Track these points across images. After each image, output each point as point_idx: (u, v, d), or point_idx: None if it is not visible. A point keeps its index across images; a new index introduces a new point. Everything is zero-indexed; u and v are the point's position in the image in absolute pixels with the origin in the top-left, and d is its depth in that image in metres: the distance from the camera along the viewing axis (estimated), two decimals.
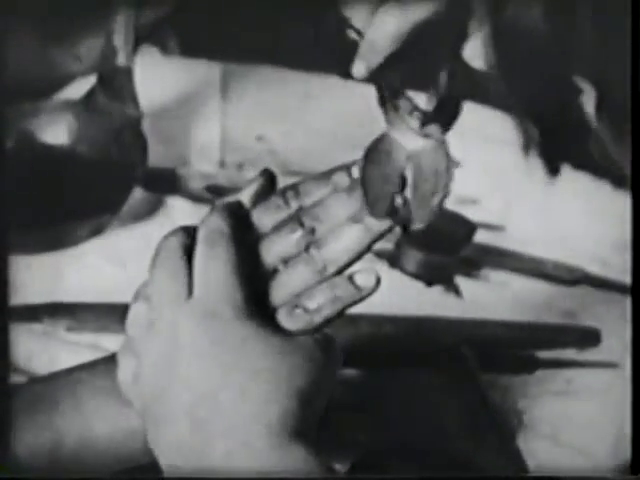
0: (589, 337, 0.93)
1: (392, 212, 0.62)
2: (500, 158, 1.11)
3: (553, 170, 1.05)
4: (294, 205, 0.64)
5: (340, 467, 0.75)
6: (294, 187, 0.65)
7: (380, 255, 0.99)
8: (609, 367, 0.90)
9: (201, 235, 0.62)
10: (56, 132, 1.05)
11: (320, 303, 0.61)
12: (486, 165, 1.10)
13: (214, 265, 0.61)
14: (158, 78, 1.14)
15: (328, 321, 0.62)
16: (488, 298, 0.97)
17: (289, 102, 1.15)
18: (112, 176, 1.02)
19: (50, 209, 0.98)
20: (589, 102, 0.89)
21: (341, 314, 0.62)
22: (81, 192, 1.01)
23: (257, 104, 1.15)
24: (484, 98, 1.15)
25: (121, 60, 1.03)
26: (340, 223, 0.62)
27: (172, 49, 1.21)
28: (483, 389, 0.86)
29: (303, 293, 0.62)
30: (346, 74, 1.21)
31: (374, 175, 0.63)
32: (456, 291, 0.98)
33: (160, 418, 0.60)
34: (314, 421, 0.60)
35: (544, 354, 0.92)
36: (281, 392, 0.58)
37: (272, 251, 0.63)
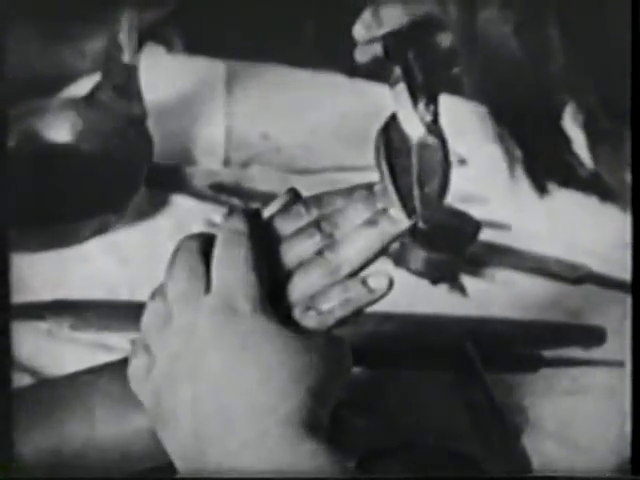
0: (594, 336, 0.93)
1: (414, 209, 0.63)
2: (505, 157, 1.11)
3: (541, 189, 1.05)
4: (315, 213, 0.65)
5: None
6: (317, 197, 0.66)
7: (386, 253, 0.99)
8: (614, 366, 0.90)
9: (220, 236, 0.64)
10: (60, 130, 1.05)
11: (333, 305, 0.62)
12: (491, 163, 1.10)
13: (233, 262, 0.62)
14: (163, 76, 1.14)
15: (342, 322, 0.63)
16: (493, 296, 0.97)
17: (293, 100, 1.15)
18: (117, 174, 1.02)
19: (54, 207, 0.98)
20: (570, 117, 0.90)
21: (355, 315, 0.63)
22: (85, 190, 1.01)
23: (262, 102, 1.15)
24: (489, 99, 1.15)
25: (126, 58, 1.03)
26: (356, 227, 0.63)
27: (177, 47, 1.21)
28: (487, 387, 0.86)
29: (317, 295, 0.63)
30: (350, 72, 1.21)
31: (398, 167, 0.64)
32: (461, 289, 0.97)
33: (173, 413, 0.60)
34: (325, 416, 0.61)
35: (549, 353, 0.92)
36: (296, 387, 0.59)
37: (290, 254, 0.64)
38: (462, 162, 1.10)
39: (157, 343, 0.62)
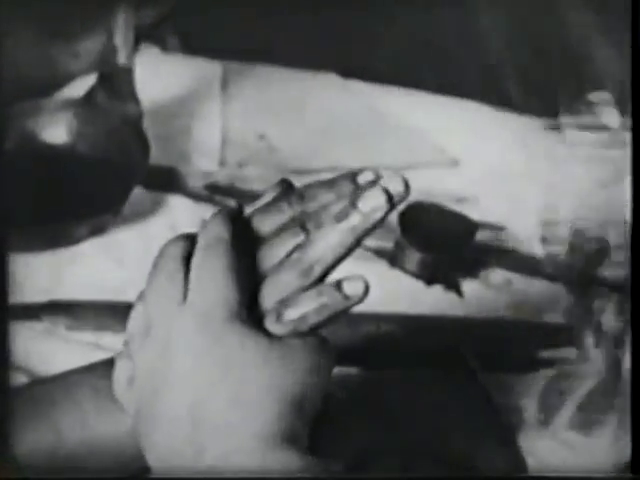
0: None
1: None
2: (500, 157, 1.11)
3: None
4: (297, 209, 0.63)
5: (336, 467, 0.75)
6: (299, 191, 0.64)
7: (380, 254, 0.99)
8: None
9: (200, 241, 0.62)
10: (56, 131, 1.05)
11: (306, 311, 0.60)
12: (486, 164, 1.10)
13: (209, 270, 0.60)
14: (158, 77, 1.14)
15: (316, 328, 0.61)
16: (489, 297, 0.97)
17: (289, 100, 1.16)
18: (112, 175, 1.02)
19: (50, 208, 0.98)
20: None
21: (329, 321, 0.61)
22: (81, 191, 1.01)
23: (257, 102, 1.15)
24: (485, 97, 1.15)
25: (121, 59, 1.03)
26: (326, 224, 0.61)
27: (172, 48, 1.21)
28: (483, 388, 0.86)
29: (289, 299, 0.61)
30: (346, 73, 1.22)
31: None
32: (457, 290, 0.97)
33: (152, 422, 0.60)
34: (305, 425, 0.60)
35: (544, 353, 0.92)
36: (271, 397, 0.58)
37: (273, 255, 0.62)
38: (455, 163, 1.11)
39: (138, 351, 0.61)
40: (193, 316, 0.59)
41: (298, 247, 0.61)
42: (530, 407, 0.87)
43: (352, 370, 0.87)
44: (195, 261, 0.61)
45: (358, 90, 1.17)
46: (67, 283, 0.94)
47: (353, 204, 0.61)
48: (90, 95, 1.05)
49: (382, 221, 0.61)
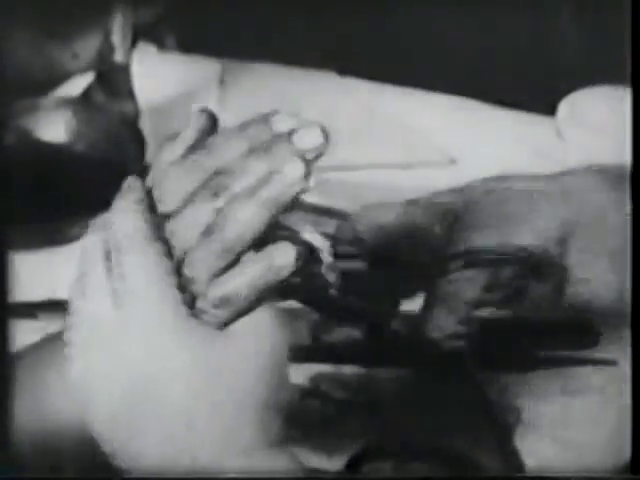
0: (588, 335, 0.93)
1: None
2: (500, 156, 1.11)
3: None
4: (208, 166, 0.57)
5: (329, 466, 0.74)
6: (205, 145, 0.58)
7: None
8: (608, 365, 0.90)
9: (111, 242, 0.58)
10: (53, 129, 1.05)
11: (236, 289, 0.56)
12: (486, 163, 1.10)
13: (134, 275, 0.56)
14: (156, 75, 1.14)
15: (252, 304, 0.57)
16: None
17: (287, 99, 1.15)
18: (109, 173, 1.02)
19: (47, 206, 0.98)
20: None
21: (266, 294, 0.57)
22: (78, 189, 1.01)
23: (255, 101, 1.15)
24: (486, 96, 1.15)
25: (119, 57, 1.03)
26: (246, 191, 0.56)
27: (170, 46, 1.21)
28: (481, 387, 0.86)
29: (214, 280, 0.56)
30: (344, 71, 1.22)
31: None
32: None
33: (134, 428, 0.57)
34: (281, 423, 0.57)
35: (543, 352, 0.91)
36: (239, 401, 0.56)
37: (188, 230, 0.57)
38: (454, 162, 1.11)
39: (87, 352, 0.58)
40: (137, 330, 0.56)
41: (214, 223, 0.56)
42: (528, 406, 0.86)
43: (349, 368, 0.87)
44: (115, 265, 0.57)
45: (357, 89, 1.17)
46: (64, 281, 0.93)
47: (270, 173, 0.56)
48: (87, 94, 1.05)
49: (302, 192, 0.57)
